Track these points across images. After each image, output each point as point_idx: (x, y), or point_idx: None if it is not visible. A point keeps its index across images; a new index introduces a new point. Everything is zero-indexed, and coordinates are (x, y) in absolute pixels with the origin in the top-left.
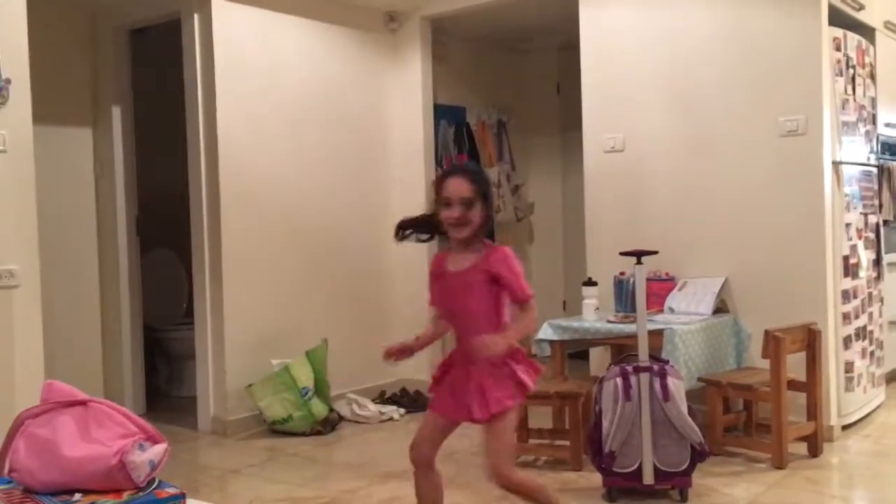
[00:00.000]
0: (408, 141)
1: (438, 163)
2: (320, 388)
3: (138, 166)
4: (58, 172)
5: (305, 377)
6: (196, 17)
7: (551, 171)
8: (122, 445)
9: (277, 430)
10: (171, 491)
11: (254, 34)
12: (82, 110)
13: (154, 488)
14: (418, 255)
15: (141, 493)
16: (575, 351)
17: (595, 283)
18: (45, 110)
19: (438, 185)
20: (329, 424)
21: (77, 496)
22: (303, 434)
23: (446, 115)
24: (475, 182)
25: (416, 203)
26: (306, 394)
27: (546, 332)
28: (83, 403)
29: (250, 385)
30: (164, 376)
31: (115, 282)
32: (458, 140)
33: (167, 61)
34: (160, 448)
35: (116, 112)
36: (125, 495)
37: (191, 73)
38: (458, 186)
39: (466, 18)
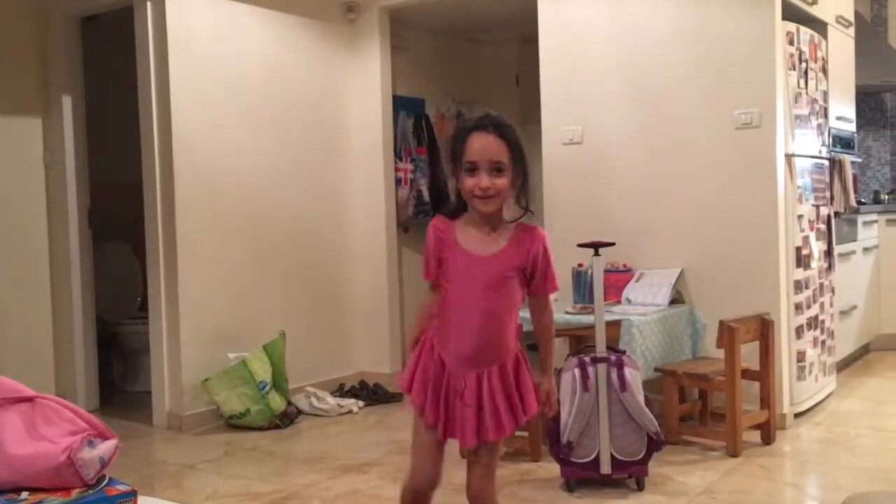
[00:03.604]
0: (366, 132)
1: (398, 154)
2: (278, 382)
3: (90, 156)
4: (6, 163)
5: (263, 371)
6: (149, 4)
7: None
8: (71, 442)
9: (234, 424)
10: (122, 488)
11: (208, 22)
12: (31, 99)
13: (104, 486)
14: (377, 245)
15: (90, 491)
16: (534, 342)
17: None
18: None
19: (458, 142)
20: (287, 418)
21: (24, 495)
22: (260, 428)
23: (405, 107)
24: (508, 139)
25: (376, 194)
26: (264, 388)
27: None
28: (30, 400)
29: (207, 379)
30: (118, 371)
31: (66, 275)
32: (417, 132)
33: (120, 49)
34: (110, 444)
35: (67, 101)
36: (74, 493)
37: (144, 61)
38: (487, 146)
39: (425, 9)
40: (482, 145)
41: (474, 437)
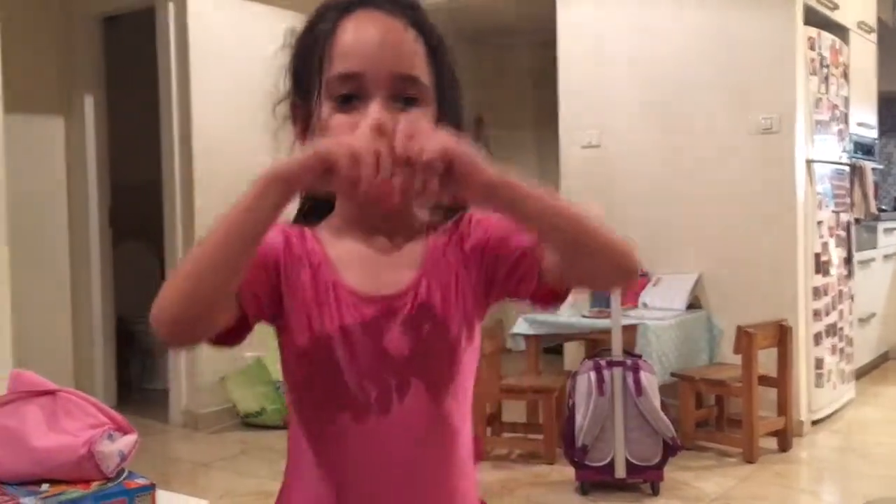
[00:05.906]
0: None
1: None
2: None
3: (111, 156)
4: (28, 162)
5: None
6: (171, 4)
7: (526, 167)
8: (91, 435)
9: (250, 423)
10: (141, 482)
11: (229, 23)
12: (54, 99)
13: (123, 479)
14: None
15: (110, 484)
16: (550, 346)
17: None
18: (16, 99)
19: (318, 37)
20: None
21: (45, 487)
22: (276, 427)
23: None
24: (425, 30)
25: None
26: (280, 387)
27: (521, 327)
28: (52, 393)
29: (223, 378)
30: (135, 369)
31: (86, 273)
32: None
33: (141, 49)
34: (130, 439)
35: (89, 101)
36: (93, 486)
37: (165, 61)
38: (384, 38)
39: (443, 14)
40: (373, 37)
41: None
